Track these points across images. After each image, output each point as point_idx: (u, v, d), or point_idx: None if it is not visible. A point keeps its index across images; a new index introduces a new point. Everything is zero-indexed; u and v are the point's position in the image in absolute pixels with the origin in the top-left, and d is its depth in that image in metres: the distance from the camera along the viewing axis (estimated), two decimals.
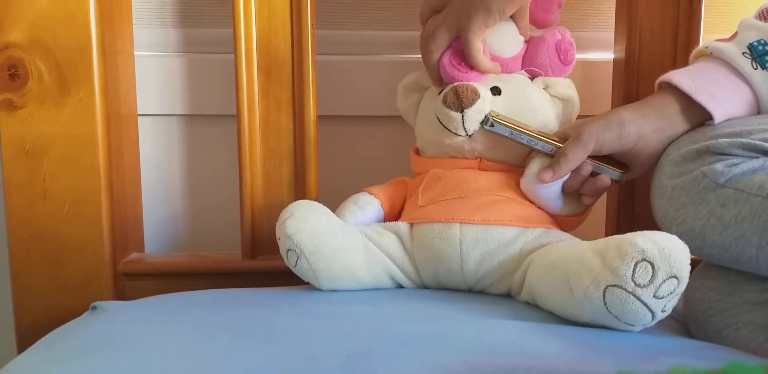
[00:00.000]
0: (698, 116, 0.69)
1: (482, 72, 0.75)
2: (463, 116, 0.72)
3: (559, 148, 0.71)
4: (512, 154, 0.75)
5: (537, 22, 0.79)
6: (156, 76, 0.93)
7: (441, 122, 0.74)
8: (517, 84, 0.76)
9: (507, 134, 0.72)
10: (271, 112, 0.83)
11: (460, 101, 0.72)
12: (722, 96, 0.68)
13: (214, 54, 0.94)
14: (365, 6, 0.97)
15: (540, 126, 0.75)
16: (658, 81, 0.72)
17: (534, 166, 0.71)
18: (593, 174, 0.72)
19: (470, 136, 0.73)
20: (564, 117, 0.78)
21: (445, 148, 0.76)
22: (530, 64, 0.78)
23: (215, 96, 0.93)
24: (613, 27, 0.90)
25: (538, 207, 0.73)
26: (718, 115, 0.67)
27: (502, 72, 0.77)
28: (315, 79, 0.82)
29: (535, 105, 0.76)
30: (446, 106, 0.73)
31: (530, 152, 0.74)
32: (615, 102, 0.89)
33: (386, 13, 0.97)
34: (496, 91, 0.75)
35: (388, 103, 0.88)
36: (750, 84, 0.68)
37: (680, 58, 0.85)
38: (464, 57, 0.74)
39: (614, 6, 0.90)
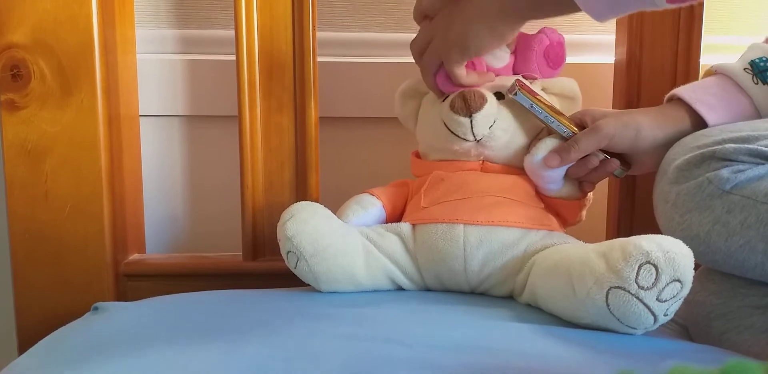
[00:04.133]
0: (702, 128, 0.70)
1: (476, 86, 0.75)
2: (471, 121, 0.72)
3: (574, 133, 0.72)
4: (519, 157, 0.75)
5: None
6: (158, 77, 0.93)
7: (449, 128, 0.73)
8: None
9: (527, 106, 0.72)
10: (273, 113, 0.83)
11: (468, 106, 0.72)
12: (720, 107, 0.70)
13: (215, 55, 0.94)
14: (367, 8, 0.97)
15: (538, 128, 0.75)
16: (666, 96, 0.74)
17: (543, 146, 0.72)
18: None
19: (478, 141, 0.73)
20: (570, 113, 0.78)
21: (451, 153, 0.76)
22: (521, 71, 0.79)
23: (217, 97, 0.93)
24: (614, 30, 0.90)
25: (537, 191, 0.74)
26: (713, 124, 0.69)
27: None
28: (316, 80, 0.82)
29: None
30: (454, 112, 0.72)
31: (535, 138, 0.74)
32: (616, 105, 0.89)
33: (387, 15, 0.97)
34: (499, 96, 0.75)
35: (389, 104, 0.88)
36: (750, 97, 0.70)
37: (681, 61, 0.85)
38: None
39: None
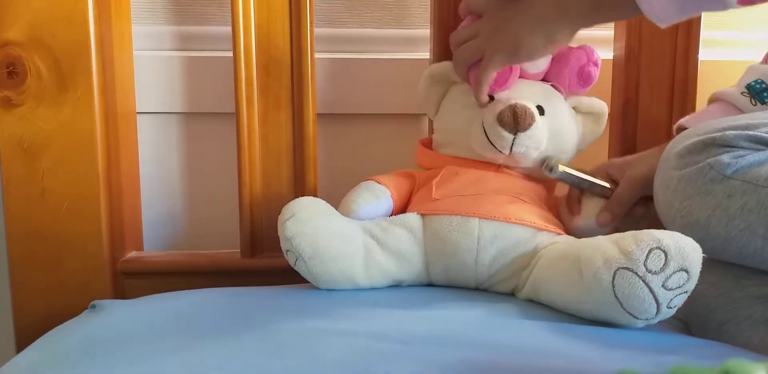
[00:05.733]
0: None
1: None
2: (515, 138, 0.73)
3: (611, 189, 0.76)
4: (536, 168, 0.77)
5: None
6: (155, 74, 0.93)
7: (489, 138, 0.73)
8: (555, 103, 0.78)
9: (569, 182, 0.76)
10: (270, 110, 0.83)
11: (517, 124, 0.72)
12: None
13: (213, 52, 0.93)
14: (364, 4, 0.96)
15: (563, 143, 0.78)
16: (675, 127, 0.78)
17: (589, 210, 0.76)
18: None
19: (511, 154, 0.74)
20: (590, 134, 0.81)
21: (474, 154, 0.76)
22: (551, 81, 0.79)
23: (214, 94, 0.93)
24: (612, 25, 0.89)
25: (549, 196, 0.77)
26: None
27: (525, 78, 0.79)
28: (314, 76, 0.82)
29: (566, 126, 0.78)
30: (501, 126, 0.72)
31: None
32: (615, 101, 0.89)
33: (385, 11, 0.97)
34: (540, 110, 0.75)
35: (387, 100, 0.88)
36: None
37: (680, 56, 0.85)
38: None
39: None
